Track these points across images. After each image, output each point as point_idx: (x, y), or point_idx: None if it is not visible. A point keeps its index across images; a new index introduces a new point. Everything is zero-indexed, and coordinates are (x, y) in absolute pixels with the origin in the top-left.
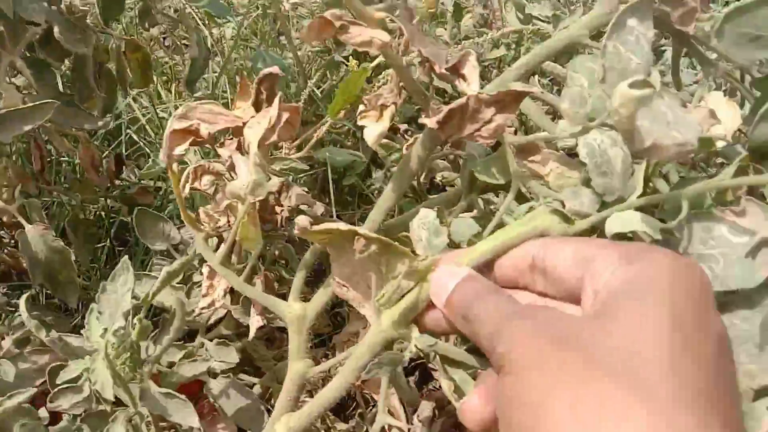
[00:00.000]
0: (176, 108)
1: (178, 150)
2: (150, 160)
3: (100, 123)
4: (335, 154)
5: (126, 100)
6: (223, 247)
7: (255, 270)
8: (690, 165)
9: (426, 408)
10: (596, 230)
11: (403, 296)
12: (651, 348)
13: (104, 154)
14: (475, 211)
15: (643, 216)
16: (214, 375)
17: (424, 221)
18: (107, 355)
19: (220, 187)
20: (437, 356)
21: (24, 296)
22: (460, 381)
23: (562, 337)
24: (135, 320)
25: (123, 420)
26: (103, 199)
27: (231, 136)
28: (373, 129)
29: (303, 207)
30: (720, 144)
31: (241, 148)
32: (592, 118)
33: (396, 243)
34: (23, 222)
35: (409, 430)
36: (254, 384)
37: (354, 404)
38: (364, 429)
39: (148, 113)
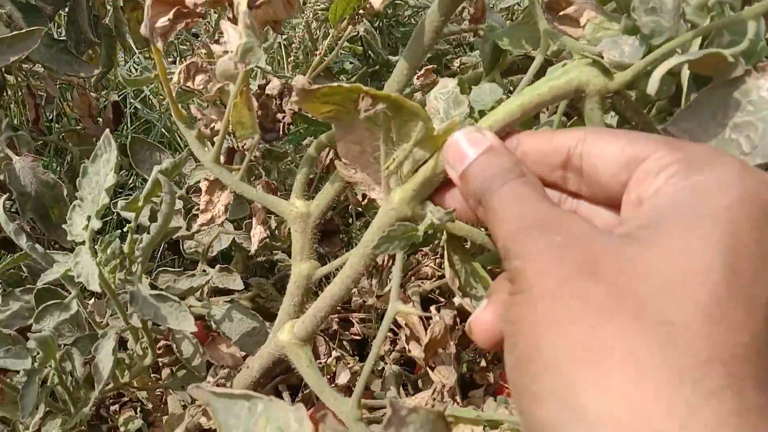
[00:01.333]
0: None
1: (161, 21)
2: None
3: (96, 71)
4: None
5: (128, 64)
6: (218, 139)
7: (255, 173)
8: None
9: (446, 316)
10: (638, 83)
11: (417, 170)
12: (692, 286)
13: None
14: None
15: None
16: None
17: (442, 91)
18: (92, 244)
19: (210, 73)
20: (446, 246)
21: (3, 197)
22: (472, 274)
23: (589, 261)
24: (126, 230)
25: (114, 335)
26: None
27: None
28: None
29: None
30: None
31: None
32: None
33: (409, 101)
34: (11, 154)
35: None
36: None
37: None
38: (381, 368)
39: (153, 83)
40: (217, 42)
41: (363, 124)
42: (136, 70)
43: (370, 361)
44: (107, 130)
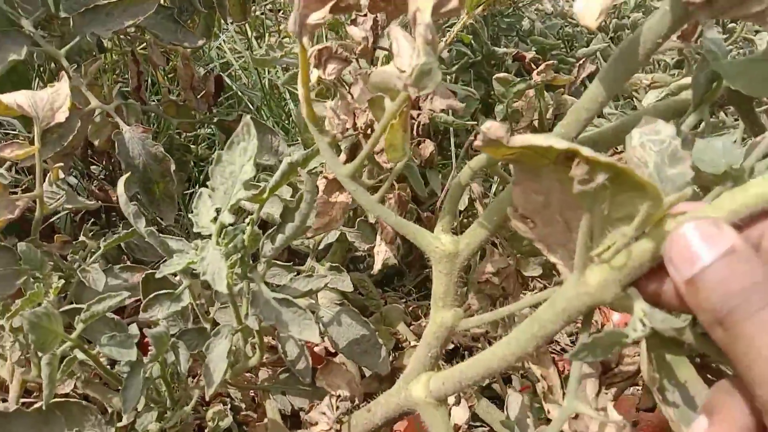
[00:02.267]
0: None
1: (315, 17)
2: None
3: (200, 42)
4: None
5: (219, 39)
6: (359, 157)
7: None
8: None
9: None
10: None
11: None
12: None
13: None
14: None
15: None
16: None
17: (652, 138)
18: (222, 238)
19: (360, 76)
20: (646, 346)
21: (123, 178)
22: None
23: None
24: (246, 223)
25: (228, 334)
26: (199, 125)
27: (366, 13)
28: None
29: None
30: None
31: (376, 28)
32: None
33: (636, 174)
34: (120, 123)
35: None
36: None
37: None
38: None
39: (241, 58)
40: (354, 23)
41: (553, 173)
42: (226, 43)
43: None
44: (248, 117)
